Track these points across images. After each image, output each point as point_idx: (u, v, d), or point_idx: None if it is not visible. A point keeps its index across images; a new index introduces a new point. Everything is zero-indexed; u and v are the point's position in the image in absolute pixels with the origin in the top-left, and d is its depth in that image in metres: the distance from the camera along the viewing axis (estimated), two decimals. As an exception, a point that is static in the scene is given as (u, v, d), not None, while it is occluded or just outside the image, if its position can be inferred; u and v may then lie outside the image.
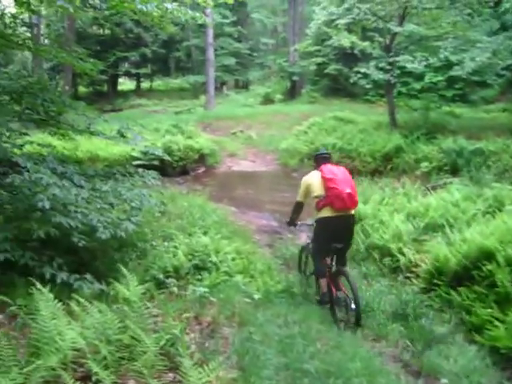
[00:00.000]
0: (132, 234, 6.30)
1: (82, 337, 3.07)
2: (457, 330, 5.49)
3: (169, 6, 6.15)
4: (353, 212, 5.91)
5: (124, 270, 4.46)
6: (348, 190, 5.68)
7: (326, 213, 5.80)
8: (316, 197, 5.93)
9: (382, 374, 4.14)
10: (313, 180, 6.06)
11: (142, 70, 37.62)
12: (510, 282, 5.43)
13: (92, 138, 9.85)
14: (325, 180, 5.83)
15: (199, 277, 6.16)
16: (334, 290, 5.77)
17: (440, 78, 23.89)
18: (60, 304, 3.47)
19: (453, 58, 17.54)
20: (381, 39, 18.23)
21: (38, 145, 7.41)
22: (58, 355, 2.85)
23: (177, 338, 3.46)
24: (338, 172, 5.91)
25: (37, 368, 2.70)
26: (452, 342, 5.19)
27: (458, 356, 4.84)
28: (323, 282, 5.90)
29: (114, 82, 36.64)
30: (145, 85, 42.16)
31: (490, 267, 5.76)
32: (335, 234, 5.81)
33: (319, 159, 6.26)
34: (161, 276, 5.89)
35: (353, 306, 5.38)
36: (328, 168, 5.96)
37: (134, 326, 3.31)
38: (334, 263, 5.97)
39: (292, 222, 6.60)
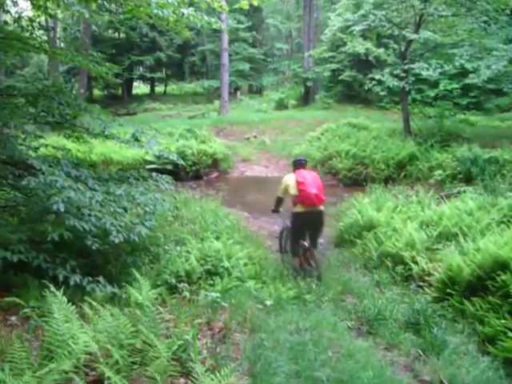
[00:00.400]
0: (145, 238, 6.32)
1: (94, 340, 3.08)
2: (470, 341, 5.43)
3: (185, 11, 6.16)
4: (321, 207, 7.41)
5: (137, 274, 4.47)
6: (314, 191, 7.18)
7: (299, 208, 7.34)
8: (292, 195, 7.41)
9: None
10: (289, 182, 7.50)
11: (157, 74, 37.82)
12: (524, 292, 5.38)
13: (106, 141, 9.91)
14: (297, 183, 7.31)
15: (211, 282, 6.15)
16: (305, 264, 7.41)
17: (455, 86, 23.79)
18: (73, 307, 3.48)
19: (468, 66, 17.45)
20: (396, 46, 18.18)
21: (53, 148, 7.45)
22: (71, 359, 2.86)
23: (189, 343, 3.46)
24: (308, 176, 7.38)
25: (50, 371, 2.72)
26: (465, 353, 5.14)
27: (470, 367, 4.79)
28: (296, 260, 7.56)
29: (128, 85, 36.85)
30: (159, 89, 42.36)
31: (504, 277, 5.70)
32: (306, 223, 7.41)
33: (297, 164, 7.79)
34: (173, 280, 5.90)
35: (315, 272, 7.16)
36: (301, 173, 7.46)
37: (147, 330, 3.31)
38: (307, 244, 7.40)
39: (276, 211, 8.08)
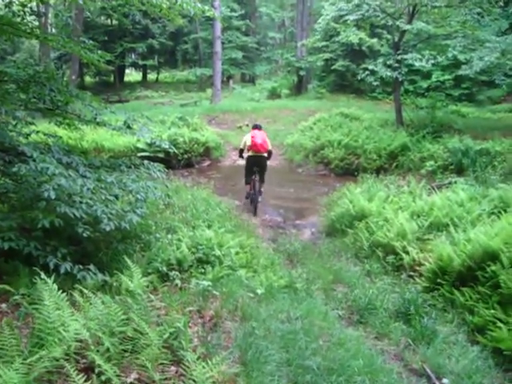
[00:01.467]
0: (136, 226, 6.30)
1: (85, 328, 3.06)
2: (459, 330, 5.47)
3: (178, -2, 6.11)
4: (264, 154, 11.09)
5: (128, 262, 4.46)
6: (260, 142, 10.84)
7: (250, 153, 11.17)
8: (247, 145, 11.08)
9: (384, 373, 4.13)
10: (247, 137, 11.30)
11: (149, 62, 37.61)
12: (513, 283, 5.41)
13: (97, 128, 9.85)
14: (251, 137, 10.98)
15: (202, 270, 6.14)
16: (251, 190, 11.29)
17: (447, 77, 23.82)
18: (64, 294, 3.47)
19: (461, 57, 17.46)
20: (389, 36, 18.15)
21: (44, 134, 7.39)
22: (62, 346, 2.85)
23: (180, 331, 3.46)
24: (258, 134, 11.06)
25: (40, 358, 2.70)
26: (454, 342, 5.18)
27: (460, 356, 4.84)
28: (248, 187, 11.51)
29: (120, 72, 36.61)
30: (151, 76, 42.12)
31: (494, 268, 5.74)
32: (254, 164, 11.14)
33: (253, 127, 11.68)
34: (164, 268, 5.88)
35: (258, 198, 11.14)
36: (254, 132, 11.17)
37: (138, 318, 3.30)
38: (257, 179, 11.15)
39: (241, 156, 11.80)
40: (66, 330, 2.97)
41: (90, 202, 5.18)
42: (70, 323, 3.05)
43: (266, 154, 11.06)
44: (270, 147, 11.11)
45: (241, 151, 11.58)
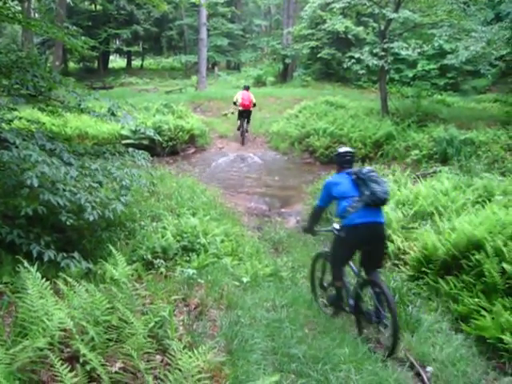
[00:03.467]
0: (120, 214, 6.25)
1: (69, 317, 3.02)
2: (444, 319, 5.51)
3: (164, -17, 6.03)
4: (250, 109, 16.61)
5: (113, 250, 4.42)
6: (246, 103, 16.39)
7: (240, 108, 16.53)
8: (239, 102, 16.40)
9: (370, 361, 4.15)
10: (238, 96, 16.50)
11: (134, 48, 37.25)
12: (497, 272, 5.46)
13: (81, 115, 9.73)
14: (241, 97, 16.36)
15: (187, 258, 6.13)
16: (241, 128, 17.03)
17: (433, 66, 23.88)
18: (47, 283, 3.42)
19: (446, 47, 17.53)
20: (375, 25, 18.13)
21: (27, 121, 7.29)
22: (46, 336, 2.81)
23: (165, 320, 3.44)
24: (246, 93, 16.54)
25: (24, 348, 2.66)
26: (439, 331, 5.22)
27: (444, 344, 4.88)
28: (237, 124, 17.40)
29: (104, 59, 36.21)
30: (136, 63, 41.75)
31: (478, 257, 5.79)
32: (243, 115, 16.73)
33: (243, 88, 17.28)
34: (149, 256, 5.86)
35: (245, 133, 17.31)
36: (243, 92, 16.67)
37: (123, 307, 3.27)
38: (245, 122, 16.80)
39: (234, 104, 16.96)
40: (50, 319, 2.92)
41: (73, 190, 5.13)
42: (54, 312, 3.01)
43: (251, 108, 16.78)
44: (253, 101, 16.75)
45: (234, 103, 17.06)
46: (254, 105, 16.89)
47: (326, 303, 5.78)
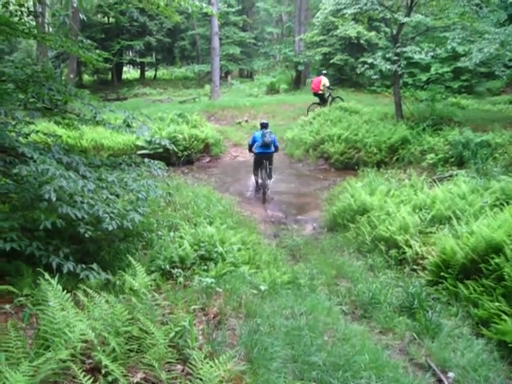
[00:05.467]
0: (138, 224, 6.29)
1: (90, 328, 3.05)
2: (464, 324, 5.47)
3: (176, -6, 6.09)
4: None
5: (132, 260, 4.45)
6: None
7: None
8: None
9: (390, 368, 4.13)
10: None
11: (147, 59, 37.52)
12: (517, 275, 5.41)
13: (96, 127, 9.83)
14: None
15: (205, 267, 6.14)
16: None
17: (446, 69, 23.75)
18: (67, 295, 3.45)
19: (460, 49, 17.43)
20: (387, 29, 18.08)
21: (44, 134, 7.37)
22: (68, 347, 2.84)
23: (186, 330, 3.45)
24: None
25: (46, 360, 2.69)
26: (459, 336, 5.17)
27: (465, 349, 4.83)
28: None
29: (118, 70, 36.51)
30: (149, 74, 42.07)
31: (497, 260, 5.74)
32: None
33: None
34: (167, 266, 5.89)
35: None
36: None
37: (143, 317, 3.29)
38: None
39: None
40: (72, 331, 2.95)
41: (91, 202, 5.17)
42: (75, 324, 3.03)
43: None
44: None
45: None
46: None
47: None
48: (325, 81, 19.72)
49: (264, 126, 12.27)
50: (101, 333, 3.16)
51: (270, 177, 12.28)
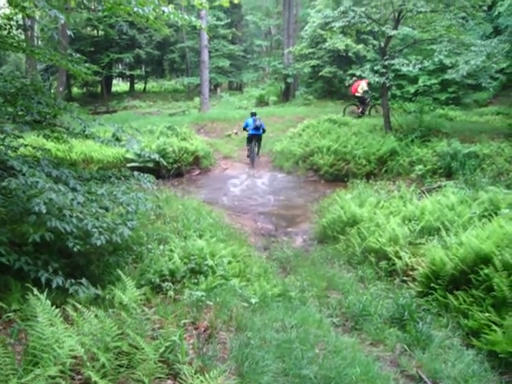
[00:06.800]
0: (127, 238, 6.26)
1: (79, 344, 3.02)
2: (454, 335, 5.48)
3: (165, 9, 6.09)
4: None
5: (122, 275, 4.42)
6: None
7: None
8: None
9: (381, 380, 4.13)
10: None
11: (136, 72, 37.56)
12: (507, 286, 5.43)
13: (86, 140, 9.81)
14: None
15: (195, 280, 6.11)
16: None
17: (434, 81, 23.94)
18: (56, 310, 3.42)
19: (447, 62, 17.55)
20: (375, 42, 18.26)
21: (33, 148, 7.35)
22: (57, 363, 2.81)
23: (176, 344, 3.43)
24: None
25: (35, 377, 2.66)
26: (450, 347, 5.18)
27: (456, 360, 4.84)
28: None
29: (107, 83, 36.52)
30: (139, 86, 42.09)
31: (486, 271, 5.77)
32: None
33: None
34: (157, 280, 5.86)
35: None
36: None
37: (133, 332, 3.27)
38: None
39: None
40: (61, 347, 2.92)
41: (80, 216, 5.14)
42: (65, 339, 3.01)
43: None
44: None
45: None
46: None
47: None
48: (363, 85, 20.33)
49: (253, 114, 17.26)
50: (90, 348, 3.13)
51: (257, 152, 17.47)
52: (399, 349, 5.17)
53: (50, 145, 10.68)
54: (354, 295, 6.43)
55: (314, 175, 15.82)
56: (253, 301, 5.60)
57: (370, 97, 21.41)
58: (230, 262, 6.82)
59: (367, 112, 20.89)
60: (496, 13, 15.15)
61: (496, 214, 7.42)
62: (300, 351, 4.31)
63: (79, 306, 3.75)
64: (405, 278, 7.06)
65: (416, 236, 7.84)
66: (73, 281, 4.84)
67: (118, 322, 3.54)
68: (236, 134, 20.62)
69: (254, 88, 35.87)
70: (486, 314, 5.41)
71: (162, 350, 3.34)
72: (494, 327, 5.15)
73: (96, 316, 3.57)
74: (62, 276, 4.83)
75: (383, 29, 15.45)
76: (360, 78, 18.21)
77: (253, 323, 4.87)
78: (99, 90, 36.38)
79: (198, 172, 16.50)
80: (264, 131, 17.24)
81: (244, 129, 17.33)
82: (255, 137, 16.98)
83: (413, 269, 7.06)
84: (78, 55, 7.48)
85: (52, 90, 27.34)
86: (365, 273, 7.52)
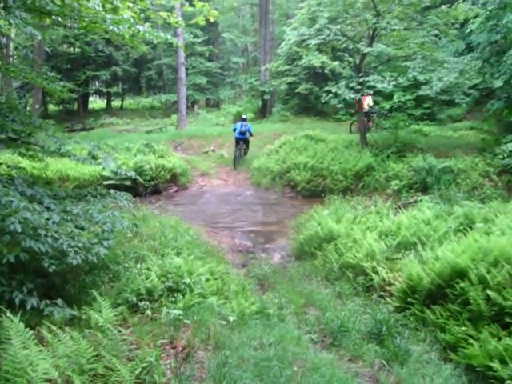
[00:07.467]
0: (104, 257, 6.19)
1: (54, 367, 2.97)
2: (432, 349, 5.51)
3: (141, 28, 6.11)
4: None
5: (96, 295, 4.37)
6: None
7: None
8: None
9: (360, 396, 4.11)
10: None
11: (113, 89, 37.41)
12: (482, 299, 5.48)
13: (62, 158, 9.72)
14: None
15: (173, 299, 6.05)
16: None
17: (409, 98, 24.31)
18: (31, 332, 3.37)
19: (421, 78, 17.85)
20: (351, 59, 18.47)
21: (7, 166, 7.27)
22: (30, 388, 2.76)
23: (152, 365, 3.39)
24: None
25: (8, 402, 2.61)
26: (428, 361, 5.20)
27: (434, 375, 4.86)
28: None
29: (84, 100, 36.31)
30: (116, 103, 41.92)
31: (462, 285, 5.82)
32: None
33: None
34: (134, 299, 5.79)
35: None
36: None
37: (108, 354, 3.23)
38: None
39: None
40: (34, 370, 2.87)
41: (55, 236, 5.08)
42: (38, 362, 2.96)
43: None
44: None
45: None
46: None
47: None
48: (369, 100, 20.38)
49: (243, 119, 19.48)
50: (65, 371, 3.08)
51: (245, 153, 19.34)
52: (378, 364, 5.17)
53: (25, 163, 10.57)
54: (332, 311, 6.43)
55: (292, 191, 15.88)
56: (231, 319, 5.58)
57: (378, 112, 21.70)
58: (207, 280, 6.78)
59: (373, 127, 20.82)
60: (468, 30, 15.44)
61: (471, 228, 7.50)
62: (278, 369, 4.29)
63: (54, 328, 3.69)
64: (382, 294, 7.09)
65: (393, 251, 7.88)
66: (48, 301, 4.77)
67: (93, 344, 3.49)
68: (213, 151, 20.67)
69: (232, 105, 35.97)
70: (463, 328, 5.45)
71: (138, 372, 3.30)
72: (471, 341, 5.19)
73: (71, 337, 3.52)
74: (37, 297, 4.76)
75: (358, 46, 15.68)
76: (365, 94, 18.53)
77: (231, 341, 4.84)
78: (76, 107, 36.12)
79: (175, 189, 16.46)
80: (251, 134, 19.24)
81: (234, 131, 19.29)
82: (240, 140, 18.89)
83: (390, 284, 7.09)
84: (53, 73, 7.45)
85: (28, 108, 27.10)
86: (342, 288, 7.53)
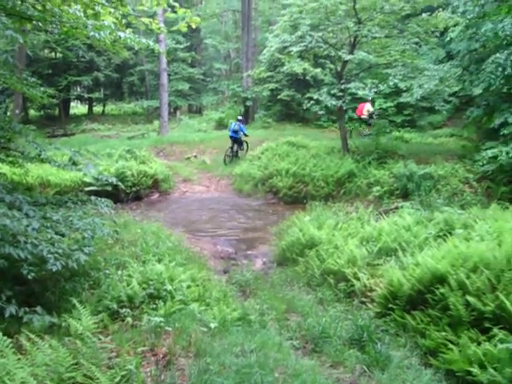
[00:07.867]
0: (84, 264, 6.15)
1: (32, 376, 2.94)
2: (412, 354, 5.54)
3: (122, 34, 6.10)
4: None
5: (76, 303, 4.33)
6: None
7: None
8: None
9: (341, 402, 4.12)
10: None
11: (95, 95, 37.17)
12: (462, 304, 5.54)
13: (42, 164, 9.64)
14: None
15: (154, 306, 6.03)
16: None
17: (389, 104, 24.51)
18: (9, 340, 3.33)
19: (402, 85, 18.02)
20: (332, 66, 18.60)
21: (-14, 173, 7.20)
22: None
23: (132, 373, 3.37)
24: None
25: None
26: (408, 366, 5.23)
27: (414, 380, 4.89)
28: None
29: (65, 106, 36.00)
30: (97, 109, 41.64)
31: (442, 291, 5.87)
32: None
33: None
34: (114, 306, 5.76)
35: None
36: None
37: (87, 362, 3.20)
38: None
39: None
40: (12, 379, 2.84)
41: (35, 242, 5.04)
42: (16, 371, 2.92)
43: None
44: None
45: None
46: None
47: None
48: (368, 107, 20.40)
49: (238, 120, 20.37)
50: (43, 380, 3.05)
51: (241, 149, 20.25)
52: (359, 370, 5.19)
53: (5, 168, 10.46)
54: (313, 317, 6.44)
55: (274, 198, 15.90)
56: (212, 325, 5.57)
57: (380, 114, 22.09)
58: (189, 287, 6.77)
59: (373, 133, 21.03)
60: (448, 38, 15.59)
61: (451, 234, 7.58)
62: (259, 376, 4.29)
63: (33, 336, 3.65)
64: (363, 299, 7.12)
65: (374, 257, 7.93)
66: (27, 309, 4.72)
67: (72, 352, 3.46)
68: (195, 157, 20.64)
69: (214, 111, 35.92)
70: (443, 333, 5.50)
71: (117, 380, 3.28)
72: (451, 346, 5.24)
73: (50, 345, 3.49)
74: (16, 304, 4.71)
75: (340, 53, 15.78)
76: (365, 100, 19.18)
77: (212, 348, 4.83)
78: (57, 112, 35.78)
79: (157, 195, 16.39)
80: (245, 135, 20.04)
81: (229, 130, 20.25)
82: (232, 138, 19.73)
83: (371, 290, 7.12)
84: (34, 79, 7.40)
85: (8, 113, 26.84)
86: (324, 295, 7.55)
